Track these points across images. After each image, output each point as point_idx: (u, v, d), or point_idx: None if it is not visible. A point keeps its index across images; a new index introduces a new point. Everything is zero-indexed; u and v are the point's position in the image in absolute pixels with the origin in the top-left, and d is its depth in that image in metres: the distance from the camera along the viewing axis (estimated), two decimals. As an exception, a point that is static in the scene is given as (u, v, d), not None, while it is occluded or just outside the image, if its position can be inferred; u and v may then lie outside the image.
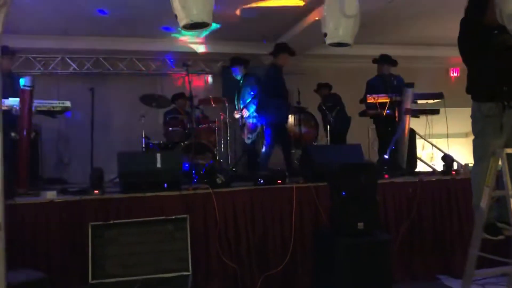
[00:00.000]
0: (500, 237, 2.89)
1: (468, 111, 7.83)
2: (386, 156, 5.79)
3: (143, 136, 6.22)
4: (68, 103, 5.06)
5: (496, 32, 2.94)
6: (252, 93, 6.40)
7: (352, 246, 3.72)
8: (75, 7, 6.39)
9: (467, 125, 10.23)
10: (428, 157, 8.30)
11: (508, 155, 2.76)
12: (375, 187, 3.99)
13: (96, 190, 4.16)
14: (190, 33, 6.70)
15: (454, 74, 10.51)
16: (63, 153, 7.82)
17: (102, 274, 3.32)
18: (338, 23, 3.57)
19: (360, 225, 3.83)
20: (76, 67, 8.23)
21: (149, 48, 8.17)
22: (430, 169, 6.22)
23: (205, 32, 6.76)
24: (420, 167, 6.57)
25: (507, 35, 2.91)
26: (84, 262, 3.47)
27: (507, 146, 2.95)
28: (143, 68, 8.44)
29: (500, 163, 2.75)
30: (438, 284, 4.58)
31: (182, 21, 3.71)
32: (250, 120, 6.40)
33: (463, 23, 3.15)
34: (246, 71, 6.70)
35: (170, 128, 6.32)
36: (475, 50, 3.07)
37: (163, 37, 7.98)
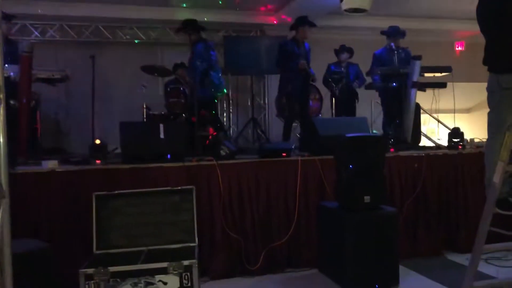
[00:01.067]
0: (512, 212, 2.84)
1: (472, 86, 7.76)
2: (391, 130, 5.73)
3: (144, 106, 6.10)
4: (68, 71, 4.93)
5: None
6: (198, 63, 5.85)
7: (358, 220, 3.67)
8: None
9: (471, 101, 10.22)
10: (429, 132, 8.25)
11: (526, 129, 2.68)
12: (382, 160, 3.92)
13: (98, 160, 4.09)
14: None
15: (459, 48, 10.34)
16: (62, 122, 7.70)
17: (106, 244, 3.28)
18: None
19: (367, 198, 3.77)
20: (74, 35, 8.02)
21: (149, 16, 7.95)
22: (432, 144, 6.17)
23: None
24: (423, 142, 6.50)
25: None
26: (88, 233, 3.43)
27: (523, 120, 2.86)
28: (143, 37, 8.23)
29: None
30: (442, 259, 4.57)
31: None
32: None
33: None
34: (196, 38, 6.05)
35: (171, 99, 6.19)
36: (495, 18, 2.95)
37: (163, 5, 7.77)
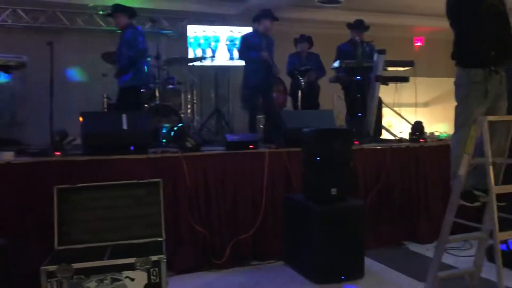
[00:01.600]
0: (477, 204, 2.93)
1: (430, 81, 7.92)
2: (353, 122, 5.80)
3: (105, 96, 5.89)
4: (24, 58, 4.68)
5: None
6: (125, 50, 5.50)
7: (325, 212, 3.70)
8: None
9: (428, 95, 10.48)
10: (387, 125, 8.44)
11: (490, 123, 2.76)
12: (349, 153, 3.95)
13: (57, 151, 3.92)
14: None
15: (418, 44, 10.60)
16: (17, 113, 7.33)
17: (69, 239, 3.14)
18: None
19: (333, 191, 3.80)
20: (29, 20, 7.64)
21: (108, 3, 7.67)
22: (392, 137, 6.31)
23: None
24: (384, 135, 6.63)
25: (497, 0, 2.87)
26: (49, 228, 3.28)
27: (489, 113, 2.94)
28: (103, 24, 7.94)
29: (481, 131, 2.74)
30: (404, 249, 4.69)
31: None
32: None
33: None
34: (124, 24, 5.66)
35: (133, 89, 6.01)
36: (465, 14, 3.01)
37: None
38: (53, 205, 3.22)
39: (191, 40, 8.03)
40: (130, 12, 5.69)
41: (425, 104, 11.93)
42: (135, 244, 3.20)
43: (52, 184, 3.35)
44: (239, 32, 7.91)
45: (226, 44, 8.19)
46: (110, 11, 5.81)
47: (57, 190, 3.20)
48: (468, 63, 3.04)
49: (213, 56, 7.90)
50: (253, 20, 6.01)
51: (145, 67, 5.56)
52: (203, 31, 8.17)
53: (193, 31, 8.06)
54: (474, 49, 2.99)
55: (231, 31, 8.28)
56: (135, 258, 2.85)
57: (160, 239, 3.24)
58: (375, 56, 5.86)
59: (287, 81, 6.76)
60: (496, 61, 2.96)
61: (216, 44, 8.20)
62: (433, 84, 9.80)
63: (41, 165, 3.70)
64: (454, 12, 3.06)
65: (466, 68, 3.06)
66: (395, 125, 9.61)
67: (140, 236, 3.26)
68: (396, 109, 6.98)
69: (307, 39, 6.81)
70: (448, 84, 10.76)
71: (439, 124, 7.54)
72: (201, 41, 8.13)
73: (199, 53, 7.97)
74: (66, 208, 3.20)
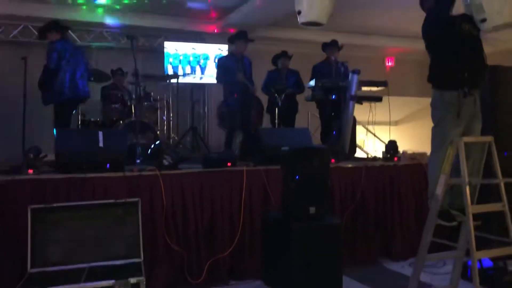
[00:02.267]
0: (454, 223, 2.99)
1: (400, 100, 8.11)
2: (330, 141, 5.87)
3: (79, 112, 5.80)
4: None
5: (460, 21, 3.00)
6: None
7: (304, 231, 3.70)
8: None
9: (398, 114, 10.70)
10: (360, 143, 8.59)
11: (465, 144, 2.84)
12: (327, 171, 3.98)
13: (30, 169, 3.81)
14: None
15: (389, 64, 10.88)
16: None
17: (43, 262, 3.03)
18: (313, 1, 3.48)
19: (312, 209, 3.81)
20: (1, 35, 7.48)
21: (83, 18, 7.61)
22: (365, 155, 6.43)
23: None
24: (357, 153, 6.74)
25: (471, 25, 2.99)
26: (21, 249, 3.16)
27: (464, 134, 3.03)
28: (78, 40, 7.85)
29: (457, 151, 2.82)
30: (379, 267, 4.71)
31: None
32: None
33: (430, 12, 3.19)
34: (54, 39, 5.46)
35: (109, 105, 5.95)
36: (439, 38, 3.12)
37: (98, 7, 7.46)
38: (26, 225, 3.11)
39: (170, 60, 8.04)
40: (57, 28, 5.55)
41: (396, 123, 12.22)
42: (112, 265, 3.11)
43: (24, 203, 3.24)
44: (227, 51, 7.95)
45: (215, 62, 8.22)
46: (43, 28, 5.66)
47: (31, 210, 3.09)
48: (442, 85, 3.14)
49: (189, 74, 7.90)
50: (228, 41, 6.09)
51: (65, 81, 5.29)
52: (193, 48, 8.19)
53: (174, 48, 8.07)
54: (447, 71, 3.10)
55: (219, 49, 8.32)
56: (114, 281, 2.77)
57: (138, 260, 3.16)
58: (350, 76, 5.97)
59: (265, 98, 6.79)
60: (469, 83, 3.07)
61: (205, 62, 8.22)
62: (403, 103, 10.06)
63: (13, 183, 3.58)
64: (429, 36, 3.16)
65: (440, 90, 3.15)
66: (368, 143, 9.80)
67: (117, 257, 3.18)
68: (370, 127, 7.13)
69: (290, 56, 6.82)
70: (418, 103, 11.04)
71: (408, 142, 7.70)
72: (181, 58, 8.14)
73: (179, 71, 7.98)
74: (40, 228, 3.09)
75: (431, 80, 3.20)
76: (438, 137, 3.10)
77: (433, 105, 3.21)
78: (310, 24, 3.79)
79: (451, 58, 3.08)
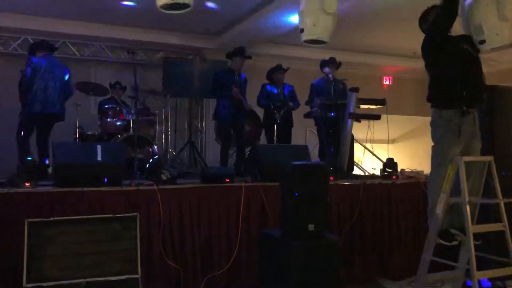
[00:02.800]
0: (454, 243, 2.97)
1: (396, 118, 8.17)
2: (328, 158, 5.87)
3: (77, 125, 5.78)
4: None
5: (460, 41, 3.03)
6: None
7: (304, 249, 3.66)
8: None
9: (395, 132, 10.73)
10: (357, 161, 8.59)
11: (465, 163, 2.84)
12: (326, 189, 3.96)
13: (27, 182, 3.77)
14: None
15: (387, 82, 10.95)
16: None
17: (39, 277, 2.97)
18: (316, 19, 3.50)
19: (311, 227, 3.78)
20: (1, 47, 7.49)
21: (83, 32, 7.64)
22: (362, 173, 6.43)
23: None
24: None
25: (470, 45, 3.01)
26: (16, 264, 3.10)
27: (464, 153, 3.03)
28: (77, 53, 7.87)
29: (457, 170, 2.82)
30: (377, 286, 4.67)
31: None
32: None
33: (430, 32, 3.22)
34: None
35: (107, 119, 5.93)
36: (438, 58, 3.14)
37: (100, 22, 7.50)
38: (22, 239, 3.06)
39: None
40: (41, 48, 5.69)
41: (392, 141, 12.27)
42: (110, 281, 3.07)
43: (21, 216, 3.20)
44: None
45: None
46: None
47: (28, 224, 3.05)
48: (441, 104, 3.16)
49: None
50: (226, 56, 6.15)
51: (37, 95, 5.33)
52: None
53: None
54: (446, 90, 3.12)
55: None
56: (110, 297, 2.73)
57: (136, 276, 3.12)
58: (349, 94, 6.00)
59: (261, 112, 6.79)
60: (467, 102, 3.09)
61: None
62: (399, 122, 10.11)
63: (8, 196, 3.54)
64: (428, 55, 3.19)
65: (439, 109, 3.17)
66: (364, 160, 9.80)
67: (115, 272, 3.13)
68: (367, 145, 7.14)
69: (285, 70, 6.78)
70: (414, 121, 11.07)
71: (404, 160, 7.72)
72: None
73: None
74: (37, 243, 3.04)
75: (430, 99, 3.22)
76: (438, 156, 3.10)
77: (432, 124, 3.22)
78: (313, 42, 3.81)
79: (449, 77, 3.11)
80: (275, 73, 6.76)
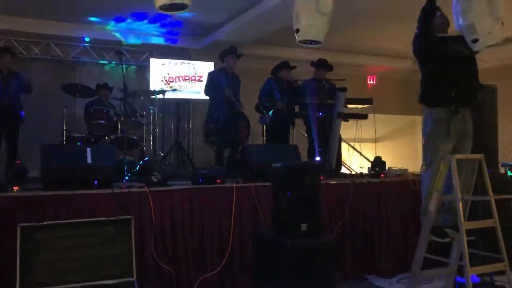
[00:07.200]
0: (447, 239, 3.02)
1: (380, 117, 8.30)
2: (317, 158, 5.90)
3: (64, 128, 5.70)
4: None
5: (451, 41, 3.08)
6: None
7: (297, 248, 3.67)
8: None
9: (379, 131, 10.84)
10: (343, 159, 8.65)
11: (457, 160, 2.89)
12: (318, 188, 3.99)
13: (15, 186, 3.71)
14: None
15: (371, 82, 11.04)
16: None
17: (32, 282, 2.93)
18: (311, 20, 3.52)
19: (304, 226, 3.80)
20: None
21: (68, 34, 7.55)
22: (347, 171, 6.49)
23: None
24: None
25: (463, 44, 3.06)
26: (8, 269, 3.05)
27: (455, 151, 3.08)
28: (62, 55, 7.76)
29: (449, 168, 2.87)
30: (368, 284, 4.71)
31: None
32: None
33: (422, 33, 3.26)
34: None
35: (94, 121, 5.87)
36: (429, 57, 3.19)
37: (84, 23, 7.42)
38: (13, 244, 3.01)
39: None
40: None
41: (378, 140, 12.39)
42: (104, 285, 3.04)
43: (9, 221, 3.15)
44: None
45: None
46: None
47: (20, 229, 3.00)
48: (431, 102, 3.21)
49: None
50: (220, 56, 6.13)
51: None
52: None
53: (161, 63, 8.06)
54: (436, 89, 3.17)
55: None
56: (105, 301, 2.71)
57: (131, 279, 3.09)
58: (337, 94, 6.04)
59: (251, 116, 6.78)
60: (456, 101, 3.14)
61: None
62: (383, 121, 10.21)
63: (-2, 200, 3.48)
64: (419, 54, 3.24)
65: (430, 107, 3.22)
66: (350, 159, 9.88)
67: (110, 276, 3.10)
68: (355, 144, 7.21)
69: (291, 67, 6.56)
70: (398, 121, 11.16)
71: (387, 159, 7.83)
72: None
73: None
74: (29, 248, 2.99)
75: (421, 97, 3.27)
76: (429, 154, 3.15)
77: (424, 121, 3.28)
78: (308, 42, 3.83)
79: (438, 77, 3.16)
80: (282, 70, 6.51)
